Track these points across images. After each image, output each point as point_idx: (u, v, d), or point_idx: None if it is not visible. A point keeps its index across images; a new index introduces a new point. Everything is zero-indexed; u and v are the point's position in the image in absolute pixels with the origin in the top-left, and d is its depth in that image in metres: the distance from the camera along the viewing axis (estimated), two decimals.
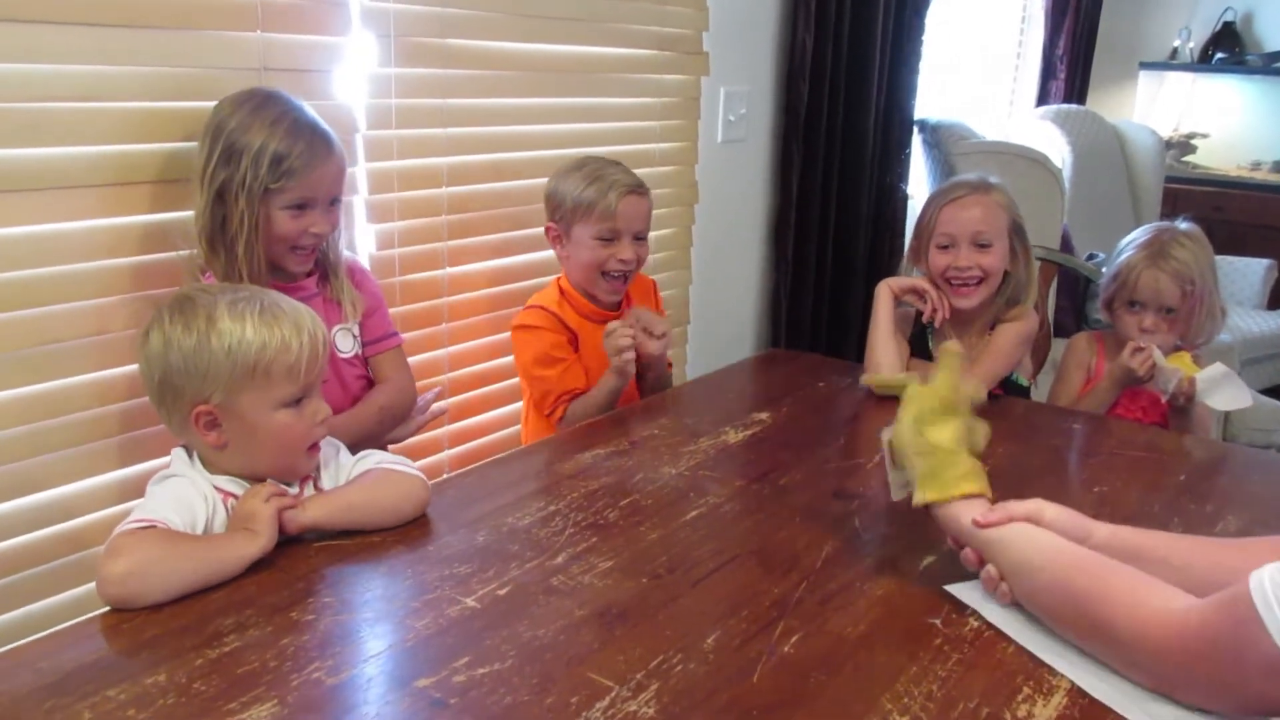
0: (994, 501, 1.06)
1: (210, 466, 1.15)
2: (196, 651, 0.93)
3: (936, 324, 1.77)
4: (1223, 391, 1.69)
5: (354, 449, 1.27)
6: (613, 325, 1.65)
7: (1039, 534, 1.00)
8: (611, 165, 1.75)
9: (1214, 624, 0.82)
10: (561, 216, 1.73)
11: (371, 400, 1.55)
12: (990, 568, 1.02)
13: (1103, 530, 1.04)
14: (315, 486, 1.21)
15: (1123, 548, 1.00)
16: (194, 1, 1.40)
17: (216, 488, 1.14)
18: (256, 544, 1.07)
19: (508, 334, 2.01)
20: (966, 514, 1.04)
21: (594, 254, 1.71)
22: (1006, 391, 1.81)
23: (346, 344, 1.53)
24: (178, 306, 1.11)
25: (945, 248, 1.75)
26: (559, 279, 1.80)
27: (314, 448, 1.18)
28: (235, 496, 1.14)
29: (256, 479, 1.15)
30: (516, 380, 1.88)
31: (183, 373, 1.09)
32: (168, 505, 1.08)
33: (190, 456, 1.16)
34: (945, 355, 1.12)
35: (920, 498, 1.07)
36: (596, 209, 1.68)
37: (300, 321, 1.13)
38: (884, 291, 1.79)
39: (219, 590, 1.04)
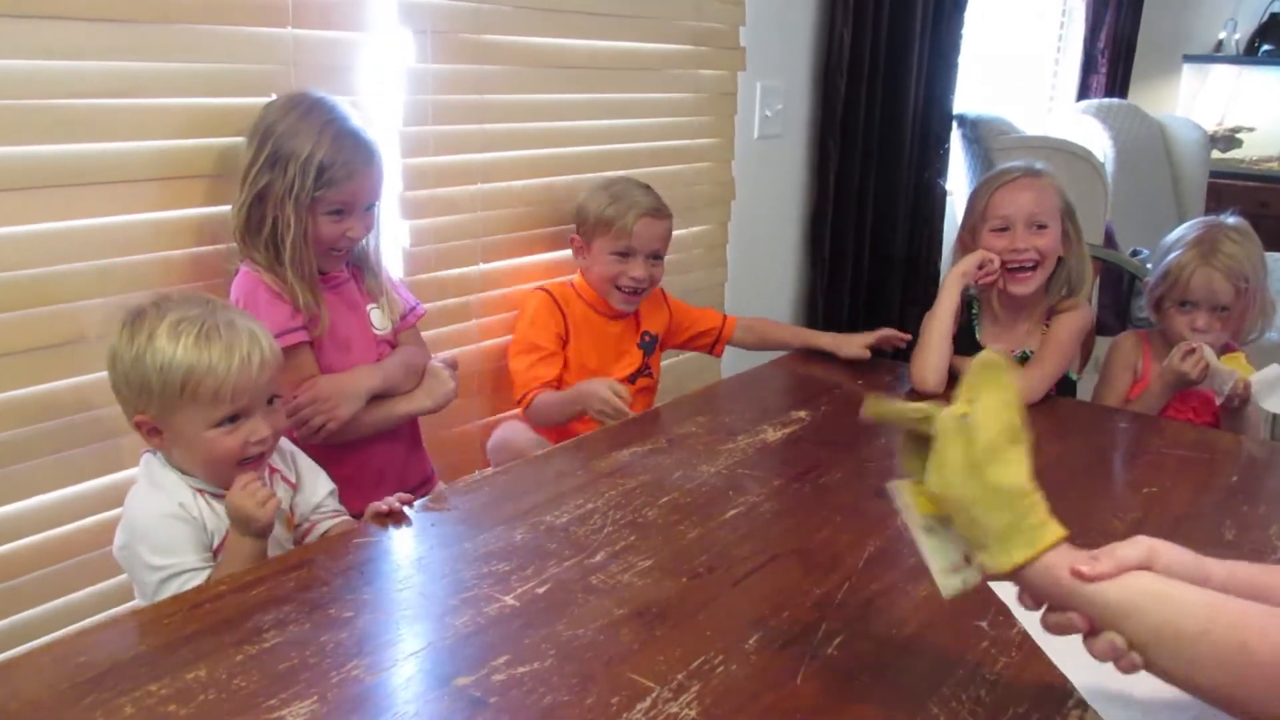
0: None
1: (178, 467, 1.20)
2: (236, 647, 0.93)
3: (988, 280, 1.74)
4: (1279, 393, 1.65)
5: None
6: (611, 389, 1.63)
7: (1176, 588, 0.78)
8: (638, 188, 1.85)
9: None
10: (585, 230, 1.85)
11: (395, 354, 1.57)
12: (1112, 637, 0.77)
13: (1219, 569, 0.84)
14: (283, 479, 1.27)
15: (1245, 587, 0.81)
16: None
17: (192, 487, 1.19)
18: (261, 542, 1.16)
19: None
20: (1064, 569, 0.78)
21: (609, 268, 1.82)
22: (1057, 387, 1.78)
23: (380, 322, 1.56)
24: (132, 318, 1.16)
25: (1002, 230, 1.73)
26: (577, 275, 1.91)
27: (251, 463, 1.19)
28: (203, 493, 1.19)
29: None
30: None
31: (124, 382, 1.16)
32: (184, 545, 1.15)
33: (161, 462, 1.20)
34: (988, 368, 0.83)
35: (1006, 561, 0.79)
36: (614, 226, 1.80)
37: (234, 345, 1.14)
38: (955, 282, 1.74)
39: (259, 586, 1.04)
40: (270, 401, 1.20)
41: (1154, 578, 0.79)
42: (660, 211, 1.84)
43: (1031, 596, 0.82)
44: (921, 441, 0.85)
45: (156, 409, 1.14)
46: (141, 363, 1.13)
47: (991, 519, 0.80)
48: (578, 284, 1.88)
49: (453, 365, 1.61)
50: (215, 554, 1.17)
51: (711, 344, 2.04)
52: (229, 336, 1.15)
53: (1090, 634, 0.79)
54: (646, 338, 1.94)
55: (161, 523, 1.15)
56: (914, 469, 0.86)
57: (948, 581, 0.85)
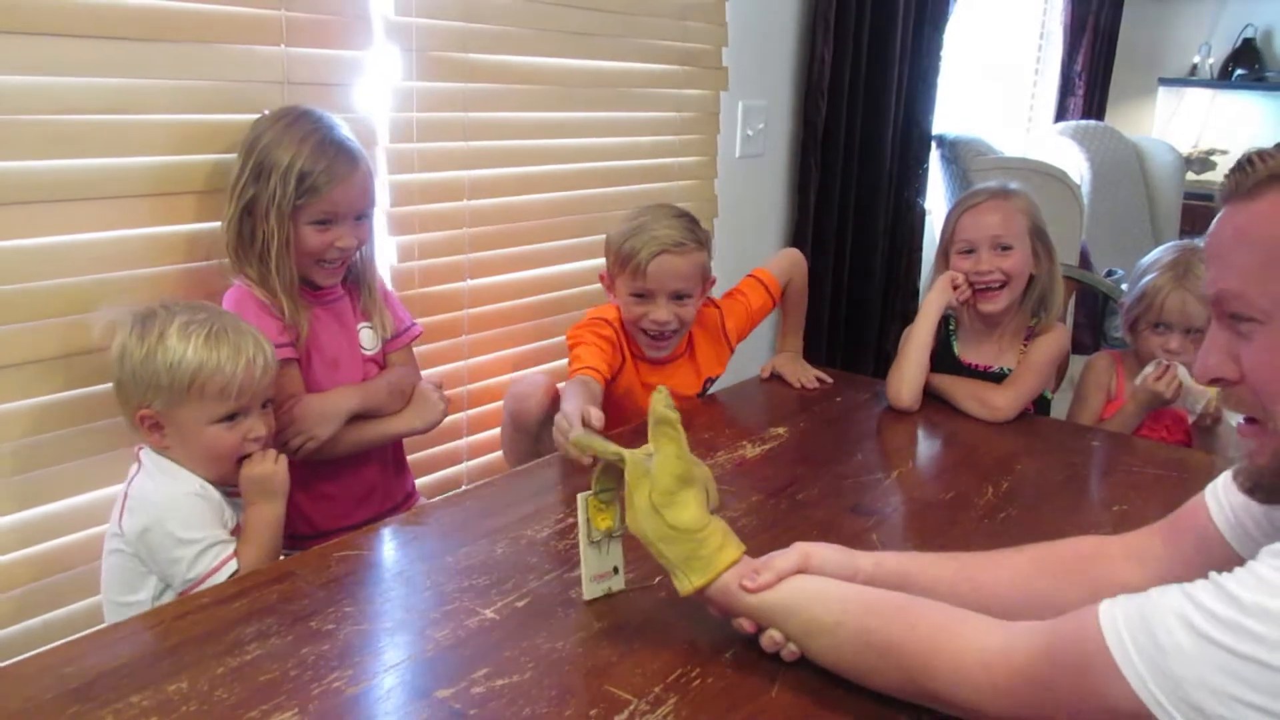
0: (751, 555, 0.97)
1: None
2: (218, 659, 0.94)
3: (960, 300, 1.77)
4: None
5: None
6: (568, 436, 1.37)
7: (821, 586, 0.93)
8: (665, 218, 1.66)
9: (1046, 660, 0.76)
10: (610, 266, 1.71)
11: (381, 376, 1.57)
12: (771, 633, 0.93)
13: (867, 560, 0.99)
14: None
15: (891, 576, 0.96)
16: (219, 16, 1.43)
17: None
18: (279, 503, 1.26)
19: (529, 347, 2.01)
20: (735, 583, 0.94)
21: (629, 309, 1.67)
22: (1034, 406, 1.81)
23: (370, 342, 1.56)
24: (141, 318, 1.24)
25: (967, 252, 1.76)
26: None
27: (247, 460, 1.27)
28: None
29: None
30: None
31: (132, 380, 1.23)
32: (213, 520, 1.23)
33: (162, 456, 1.25)
34: (661, 425, 0.96)
35: (687, 585, 0.95)
36: (629, 265, 1.63)
37: (241, 347, 1.24)
38: (936, 301, 1.77)
39: (241, 599, 1.05)
40: (265, 405, 1.29)
41: (807, 579, 0.94)
42: (684, 246, 1.63)
43: (715, 609, 0.97)
44: (616, 472, 1.00)
45: (163, 403, 1.22)
46: (152, 359, 1.21)
47: (673, 550, 0.95)
48: (624, 328, 1.72)
49: (437, 386, 1.61)
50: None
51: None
52: (236, 339, 1.24)
53: (758, 632, 0.94)
54: (708, 385, 1.83)
55: (188, 500, 1.22)
56: (602, 486, 1.04)
57: (592, 587, 1.06)
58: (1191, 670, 0.68)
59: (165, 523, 1.19)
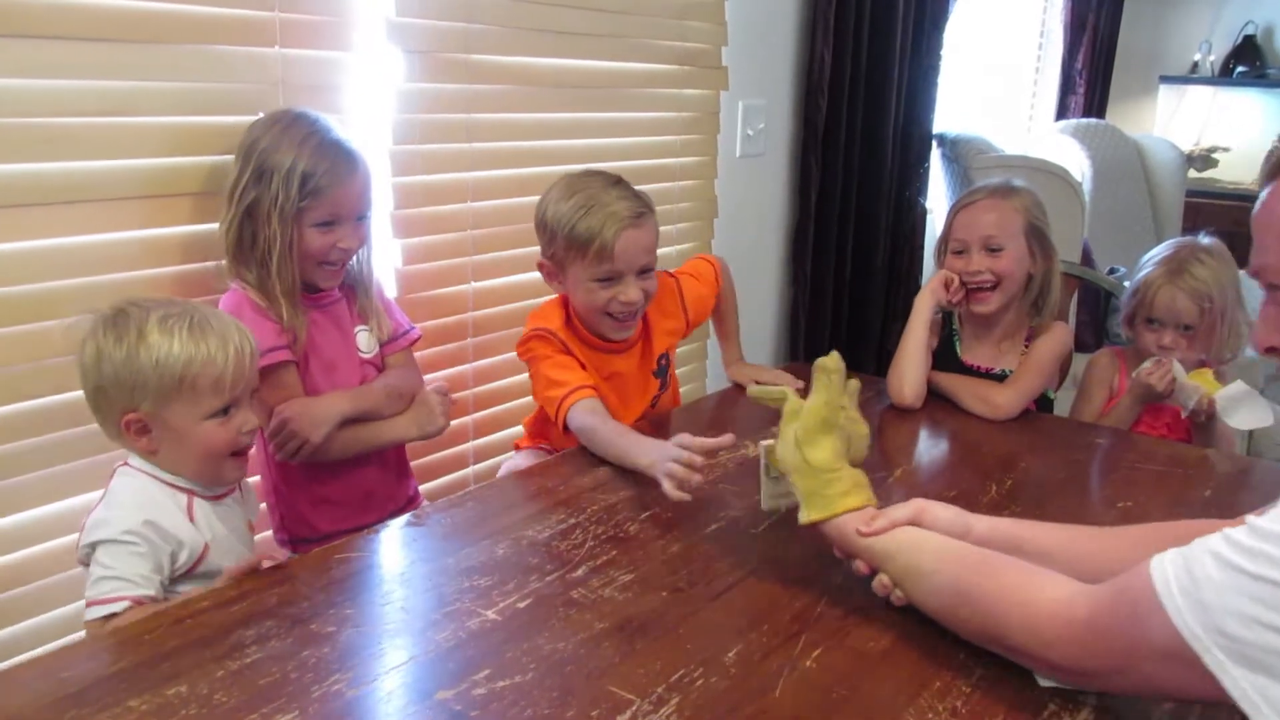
0: (879, 508, 1.08)
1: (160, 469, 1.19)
2: (218, 663, 0.93)
3: (955, 301, 1.76)
4: (1243, 410, 1.67)
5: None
6: (676, 460, 1.27)
7: (924, 537, 1.02)
8: (609, 188, 1.51)
9: (1107, 610, 0.82)
10: (554, 253, 1.53)
11: (379, 379, 1.56)
12: (881, 576, 1.03)
13: (982, 524, 1.06)
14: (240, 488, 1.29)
15: (1004, 540, 1.02)
16: (213, 18, 1.42)
17: (176, 486, 1.19)
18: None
19: None
20: (852, 526, 1.05)
21: (593, 296, 1.51)
22: (1035, 405, 1.80)
23: (367, 345, 1.55)
24: (111, 319, 1.15)
25: (959, 253, 1.75)
26: (563, 298, 1.61)
27: (241, 455, 1.22)
28: (196, 494, 1.19)
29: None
30: None
31: (114, 382, 1.14)
32: (133, 562, 1.12)
33: (140, 470, 1.19)
34: (821, 373, 1.09)
35: (805, 517, 1.07)
36: (591, 248, 1.47)
37: (228, 336, 1.17)
38: (926, 301, 1.77)
39: (240, 602, 1.04)
40: (252, 395, 1.23)
41: (914, 531, 1.03)
42: (642, 215, 1.49)
43: (834, 546, 1.09)
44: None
45: (150, 404, 1.14)
46: (135, 359, 1.13)
47: (803, 483, 1.08)
48: (571, 315, 1.59)
49: (443, 393, 1.58)
50: (192, 569, 1.17)
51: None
52: (220, 328, 1.17)
53: (872, 574, 1.05)
54: (662, 362, 1.70)
55: (134, 530, 1.13)
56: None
57: (767, 504, 1.22)
58: (1219, 598, 0.72)
59: (104, 527, 1.13)
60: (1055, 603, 0.87)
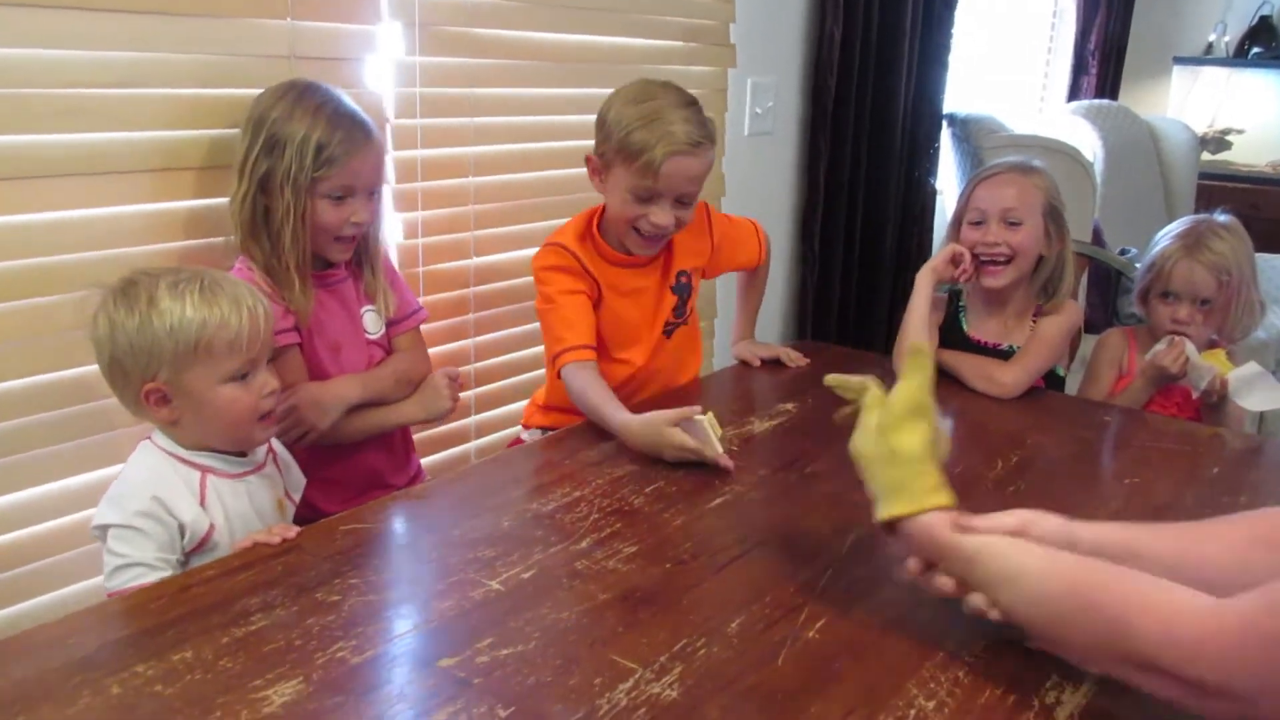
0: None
1: (180, 445, 1.19)
2: (223, 630, 0.94)
3: (963, 279, 1.75)
4: (1256, 391, 1.66)
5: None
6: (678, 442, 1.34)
7: (1025, 542, 0.92)
8: (679, 107, 1.48)
9: (1267, 616, 0.73)
10: (605, 152, 1.51)
11: (387, 363, 1.55)
12: (975, 596, 0.91)
13: (1087, 532, 0.95)
14: (275, 464, 1.29)
15: (1114, 550, 0.91)
16: None
17: (192, 463, 1.18)
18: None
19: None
20: (942, 525, 0.92)
21: (626, 209, 1.50)
22: (1045, 382, 1.79)
23: (374, 325, 1.54)
24: (121, 290, 1.15)
25: (977, 224, 1.74)
26: (591, 212, 1.61)
27: (267, 418, 1.22)
28: (214, 472, 1.18)
29: (219, 451, 1.20)
30: (543, 371, 1.84)
31: (129, 353, 1.13)
32: (144, 546, 1.12)
33: (160, 445, 1.19)
34: (913, 355, 1.00)
35: (887, 511, 0.95)
36: (639, 161, 1.45)
37: (240, 297, 1.16)
38: (926, 277, 1.76)
39: (246, 571, 1.05)
40: (270, 360, 1.22)
41: (1010, 540, 0.91)
42: (699, 145, 1.47)
43: (910, 548, 0.96)
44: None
45: (168, 372, 1.13)
46: (149, 327, 1.12)
47: (886, 474, 0.95)
48: (593, 229, 1.59)
49: (453, 377, 1.57)
50: (200, 547, 1.16)
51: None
52: (232, 290, 1.16)
53: (957, 591, 0.92)
54: (682, 279, 1.66)
55: (142, 510, 1.13)
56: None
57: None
58: None
59: (113, 510, 1.13)
60: (1200, 612, 0.77)
